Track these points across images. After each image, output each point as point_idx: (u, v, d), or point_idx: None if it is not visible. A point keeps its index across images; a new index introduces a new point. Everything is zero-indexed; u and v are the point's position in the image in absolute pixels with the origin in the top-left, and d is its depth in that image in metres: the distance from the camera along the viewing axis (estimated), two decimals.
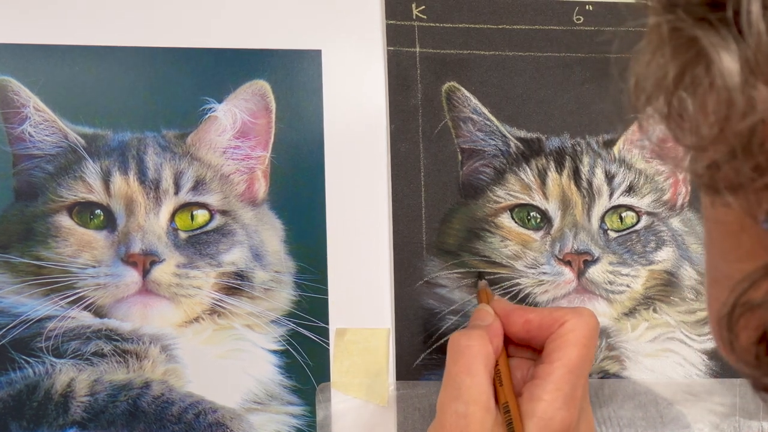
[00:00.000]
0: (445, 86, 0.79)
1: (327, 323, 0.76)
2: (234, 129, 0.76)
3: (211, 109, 0.76)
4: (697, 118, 0.38)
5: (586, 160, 0.79)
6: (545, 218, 0.78)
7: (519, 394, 0.65)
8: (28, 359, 0.72)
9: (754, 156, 0.37)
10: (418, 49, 0.78)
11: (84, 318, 0.73)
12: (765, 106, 0.36)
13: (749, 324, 0.40)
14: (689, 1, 0.38)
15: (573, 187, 0.78)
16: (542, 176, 0.78)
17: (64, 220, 0.74)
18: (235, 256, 0.75)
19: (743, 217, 0.39)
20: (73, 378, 0.72)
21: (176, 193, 0.74)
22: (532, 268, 0.78)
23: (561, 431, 0.63)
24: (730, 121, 0.37)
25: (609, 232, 0.78)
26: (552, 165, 0.79)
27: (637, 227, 0.79)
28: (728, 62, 0.36)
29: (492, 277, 0.78)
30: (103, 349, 0.73)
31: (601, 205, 0.78)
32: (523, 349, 0.69)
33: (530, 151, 0.79)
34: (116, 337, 0.73)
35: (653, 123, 0.41)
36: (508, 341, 0.69)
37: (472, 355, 0.64)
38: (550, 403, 0.63)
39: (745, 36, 0.36)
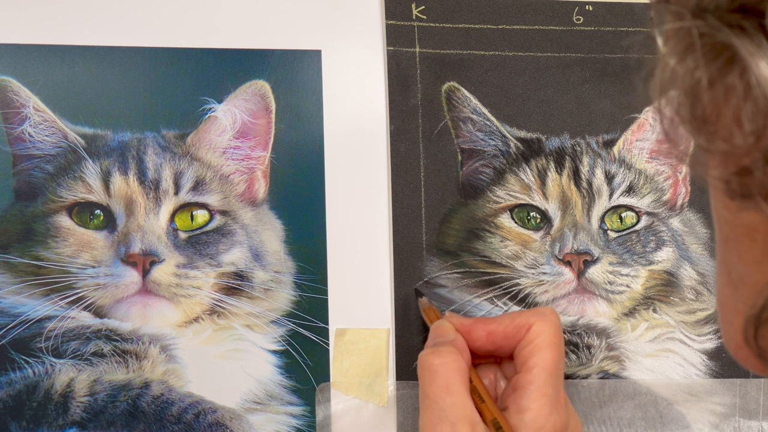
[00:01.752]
0: (445, 86, 0.79)
1: (327, 323, 0.76)
2: (234, 129, 0.76)
3: (210, 109, 0.76)
4: (729, 126, 0.37)
5: (585, 160, 0.79)
6: (545, 218, 0.78)
7: (503, 408, 0.64)
8: (27, 359, 0.72)
9: None
10: (417, 50, 0.78)
11: (84, 318, 0.73)
12: None
13: None
14: (720, 7, 0.37)
15: (573, 187, 0.78)
16: (542, 176, 0.78)
17: (64, 221, 0.74)
18: (234, 257, 0.75)
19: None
20: (73, 378, 0.72)
21: (176, 193, 0.74)
22: (531, 268, 0.78)
23: None
24: (767, 129, 0.36)
25: (609, 232, 0.78)
26: (552, 165, 0.79)
27: (637, 227, 0.79)
28: (766, 70, 0.36)
29: (492, 277, 0.78)
30: (102, 349, 0.73)
31: (601, 205, 0.78)
32: (485, 356, 0.69)
33: (530, 151, 0.79)
34: (116, 337, 0.73)
35: (675, 128, 0.40)
36: (472, 354, 0.68)
37: (447, 373, 0.63)
38: (539, 411, 0.62)
39: None
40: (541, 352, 0.64)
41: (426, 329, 0.77)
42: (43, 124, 0.74)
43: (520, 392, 0.63)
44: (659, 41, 0.40)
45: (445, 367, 0.63)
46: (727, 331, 0.46)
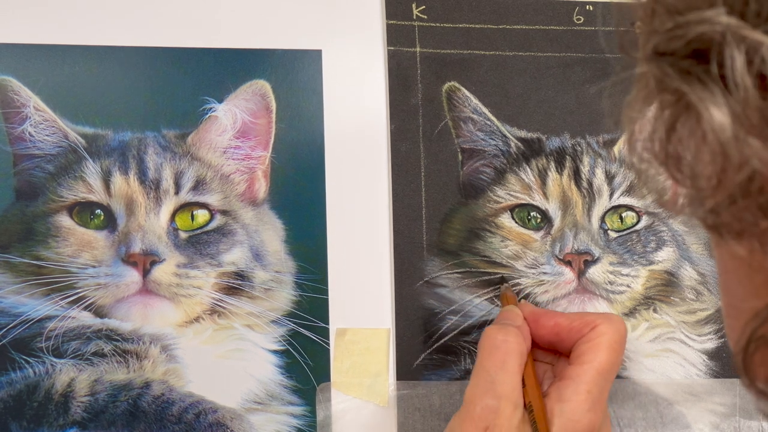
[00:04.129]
0: (446, 86, 0.79)
1: (327, 323, 0.76)
2: (234, 129, 0.76)
3: (211, 109, 0.76)
4: (694, 167, 0.38)
5: (586, 160, 0.79)
6: (545, 218, 0.78)
7: (544, 395, 0.65)
8: (28, 359, 0.72)
9: (754, 200, 0.36)
10: (418, 49, 0.78)
11: (84, 318, 0.73)
12: (759, 159, 0.35)
13: (766, 359, 0.40)
14: (675, 53, 0.37)
15: (573, 187, 0.78)
16: (542, 176, 0.79)
17: (65, 220, 0.73)
18: (235, 256, 0.75)
19: (751, 256, 0.39)
20: (74, 378, 0.72)
21: (176, 193, 0.74)
22: (532, 268, 0.78)
23: None
24: (726, 172, 0.36)
25: (609, 232, 0.78)
26: (552, 165, 0.79)
27: (638, 227, 0.79)
28: (718, 116, 0.36)
29: (493, 276, 0.78)
30: (103, 349, 0.73)
31: (602, 205, 0.78)
32: (544, 353, 0.69)
33: (530, 151, 0.79)
34: (116, 337, 0.73)
35: (652, 167, 0.41)
36: (533, 345, 0.69)
37: (508, 351, 0.64)
38: (579, 405, 0.63)
39: (731, 91, 0.36)
40: (599, 352, 0.65)
41: (427, 329, 0.77)
42: (43, 123, 0.74)
43: (566, 382, 0.64)
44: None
45: (507, 344, 0.64)
46: (734, 348, 0.46)
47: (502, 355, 0.64)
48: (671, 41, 0.37)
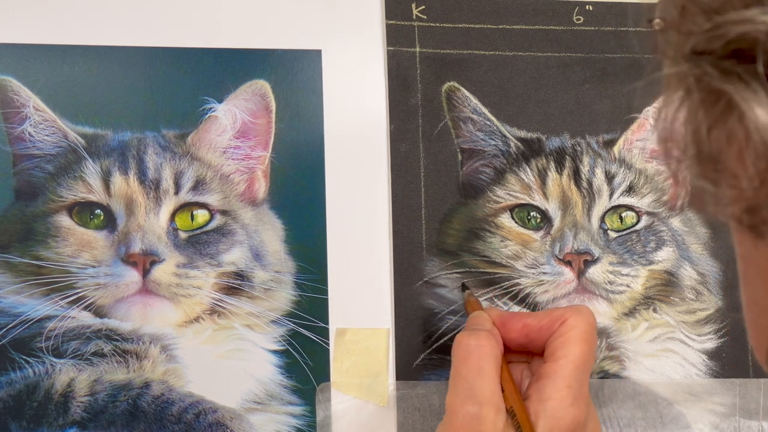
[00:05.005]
0: (445, 86, 0.79)
1: (327, 323, 0.76)
2: (234, 129, 0.76)
3: (211, 108, 0.76)
4: (734, 168, 0.38)
5: (586, 160, 0.79)
6: (545, 218, 0.78)
7: (525, 397, 0.65)
8: (28, 359, 0.72)
9: None
10: (418, 49, 0.78)
11: (84, 318, 0.73)
12: None
13: None
14: (714, 53, 0.37)
15: (573, 187, 0.78)
16: (542, 176, 0.79)
17: (64, 220, 0.74)
18: (235, 256, 0.75)
19: None
20: (73, 378, 0.72)
21: (176, 192, 0.74)
22: (532, 268, 0.78)
23: (571, 430, 0.63)
24: None
25: (609, 232, 0.78)
26: (552, 165, 0.79)
27: (637, 227, 0.79)
28: (764, 117, 0.35)
29: (492, 276, 0.78)
30: (103, 349, 0.73)
31: (601, 205, 0.78)
32: (518, 355, 0.69)
33: (530, 151, 0.79)
34: (116, 337, 0.73)
35: (686, 169, 0.40)
36: (505, 350, 0.69)
37: (482, 356, 0.64)
38: (560, 401, 0.63)
39: None
40: (572, 345, 0.64)
41: (426, 329, 0.77)
42: (43, 123, 0.74)
43: (545, 381, 0.64)
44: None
45: (480, 349, 0.64)
46: (757, 346, 0.45)
47: (476, 361, 0.64)
48: (711, 41, 0.37)
